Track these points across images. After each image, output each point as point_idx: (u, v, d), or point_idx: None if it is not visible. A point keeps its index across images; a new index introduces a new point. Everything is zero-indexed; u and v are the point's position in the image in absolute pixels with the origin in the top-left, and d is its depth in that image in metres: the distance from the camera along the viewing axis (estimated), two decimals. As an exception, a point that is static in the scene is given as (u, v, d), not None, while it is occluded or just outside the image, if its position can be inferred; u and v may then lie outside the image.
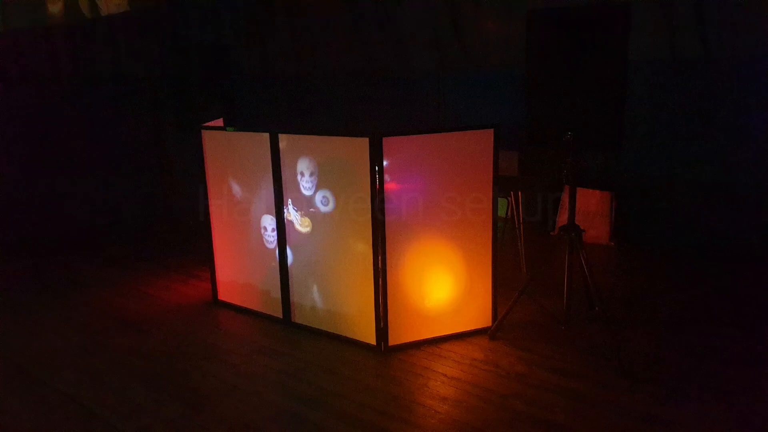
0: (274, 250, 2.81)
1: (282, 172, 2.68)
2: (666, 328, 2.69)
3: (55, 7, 3.67)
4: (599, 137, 2.34)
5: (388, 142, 2.38)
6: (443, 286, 2.59)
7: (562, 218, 3.83)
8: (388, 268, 2.46)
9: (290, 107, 5.20)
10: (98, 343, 2.74)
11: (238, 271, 3.04)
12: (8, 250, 4.24)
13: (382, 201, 2.40)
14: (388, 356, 2.51)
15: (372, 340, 2.56)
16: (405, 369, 2.41)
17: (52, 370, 2.50)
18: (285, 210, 2.71)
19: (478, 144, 2.50)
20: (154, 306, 3.18)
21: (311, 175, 2.60)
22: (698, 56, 3.53)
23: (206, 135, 3.00)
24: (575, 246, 2.49)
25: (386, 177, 2.40)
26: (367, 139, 2.37)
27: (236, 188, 2.92)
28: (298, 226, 2.70)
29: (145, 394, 2.28)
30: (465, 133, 2.50)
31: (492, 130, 2.49)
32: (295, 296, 2.80)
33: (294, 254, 2.76)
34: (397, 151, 2.41)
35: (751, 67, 3.42)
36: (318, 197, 2.59)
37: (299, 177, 2.64)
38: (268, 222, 2.80)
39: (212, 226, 3.09)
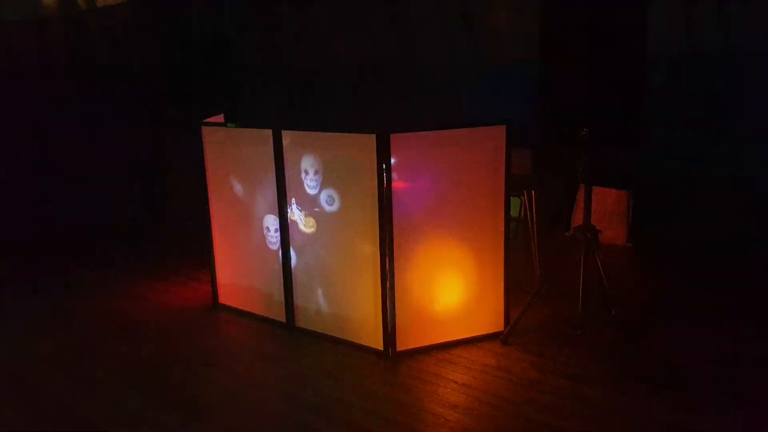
0: (277, 251, 2.72)
1: (285, 170, 2.60)
2: (685, 333, 2.61)
3: (49, -1, 3.59)
4: (617, 135, 2.26)
5: (397, 139, 2.29)
6: (453, 289, 2.50)
7: (577, 218, 3.76)
8: (396, 270, 2.37)
9: (294, 101, 5.11)
10: (94, 349, 2.66)
11: (240, 274, 2.96)
12: (1, 253, 4.16)
13: (390, 200, 2.32)
14: (396, 362, 2.43)
15: (379, 345, 2.47)
16: (413, 375, 2.33)
17: (47, 377, 2.42)
18: (288, 210, 2.62)
19: (490, 141, 2.42)
20: (153, 310, 3.10)
21: (316, 173, 2.51)
22: (720, 50, 3.44)
23: (206, 132, 2.91)
24: (591, 247, 2.40)
25: (394, 175, 2.32)
26: (373, 136, 2.29)
27: (237, 187, 2.84)
28: (302, 227, 2.62)
29: (143, 402, 2.20)
30: (476, 129, 2.42)
31: (504, 126, 2.41)
32: (298, 300, 2.72)
33: (298, 256, 2.67)
34: (406, 149, 2.32)
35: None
36: (323, 196, 2.51)
37: (303, 175, 2.56)
38: (271, 222, 2.72)
39: (212, 227, 3.01)
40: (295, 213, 2.61)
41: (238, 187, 2.83)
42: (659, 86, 3.58)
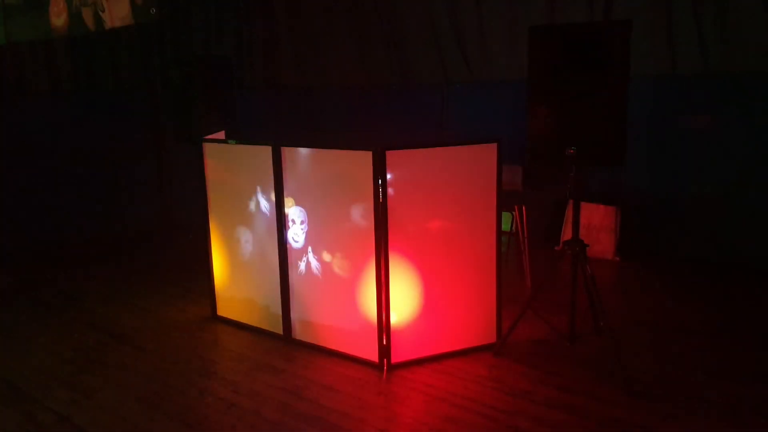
0: (276, 261, 2.76)
1: (286, 182, 2.65)
2: (672, 345, 2.66)
3: (59, 20, 3.70)
4: (602, 153, 2.35)
5: (392, 156, 2.36)
6: (447, 301, 2.56)
7: (567, 233, 3.84)
8: (391, 282, 2.43)
9: (292, 119, 5.21)
10: (93, 360, 2.68)
11: (238, 286, 3.00)
12: (1, 264, 4.18)
13: (386, 214, 2.38)
14: (391, 373, 2.47)
15: (374, 356, 2.51)
16: (408, 386, 2.36)
17: (45, 389, 2.44)
18: (286, 231, 2.68)
19: (482, 157, 2.50)
20: (151, 321, 3.12)
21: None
22: (700, 71, 3.58)
23: (207, 147, 2.98)
24: (580, 260, 2.47)
25: (389, 190, 2.39)
26: (370, 153, 2.37)
27: (239, 200, 2.89)
28: (301, 240, 2.67)
29: (141, 413, 2.23)
30: (469, 147, 2.50)
31: (495, 144, 2.50)
32: (295, 311, 2.76)
33: (296, 267, 2.72)
34: (401, 165, 2.40)
35: (754, 82, 3.46)
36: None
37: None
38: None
39: (211, 239, 3.06)
40: (292, 236, 2.67)
41: (239, 200, 2.88)
42: (645, 104, 3.71)
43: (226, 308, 3.07)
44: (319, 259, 2.61)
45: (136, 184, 4.99)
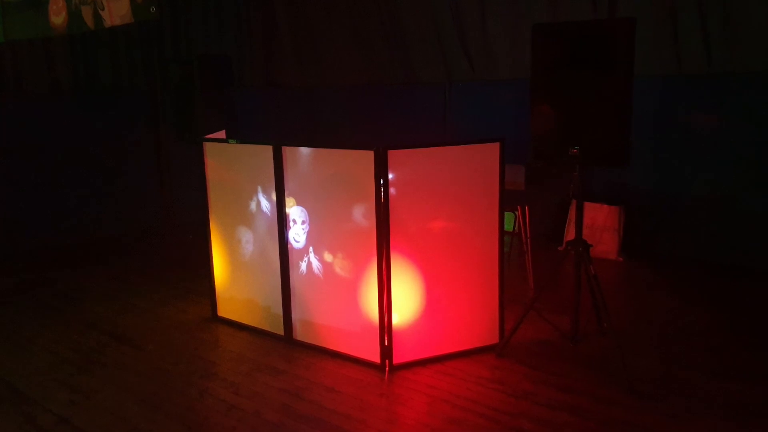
0: (277, 262, 2.75)
1: (287, 182, 2.65)
2: (676, 345, 2.64)
3: (58, 19, 3.68)
4: (606, 154, 2.33)
5: (394, 155, 2.35)
6: (450, 302, 2.54)
7: (570, 233, 3.82)
8: (393, 283, 2.41)
9: (293, 118, 5.20)
10: (92, 360, 2.67)
11: (238, 286, 2.99)
12: (1, 264, 4.17)
13: (387, 215, 2.37)
14: (393, 374, 2.45)
15: (376, 357, 2.50)
16: (410, 387, 2.35)
17: (45, 389, 2.43)
18: (287, 231, 2.67)
19: (485, 157, 2.49)
20: (151, 321, 3.11)
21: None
22: (705, 72, 3.56)
23: (208, 147, 2.97)
24: (583, 261, 2.46)
25: (391, 190, 2.38)
26: (372, 152, 2.35)
27: (240, 200, 2.88)
28: (302, 240, 2.66)
29: (141, 414, 2.21)
30: (471, 146, 2.48)
31: (498, 144, 2.48)
32: (296, 312, 2.75)
33: (297, 268, 2.71)
34: (403, 165, 2.38)
35: (758, 83, 3.44)
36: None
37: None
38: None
39: (212, 239, 3.05)
40: (293, 236, 2.65)
41: (240, 201, 2.87)
42: (649, 104, 3.70)
43: (226, 309, 3.06)
44: (321, 260, 2.60)
45: (135, 184, 4.97)
